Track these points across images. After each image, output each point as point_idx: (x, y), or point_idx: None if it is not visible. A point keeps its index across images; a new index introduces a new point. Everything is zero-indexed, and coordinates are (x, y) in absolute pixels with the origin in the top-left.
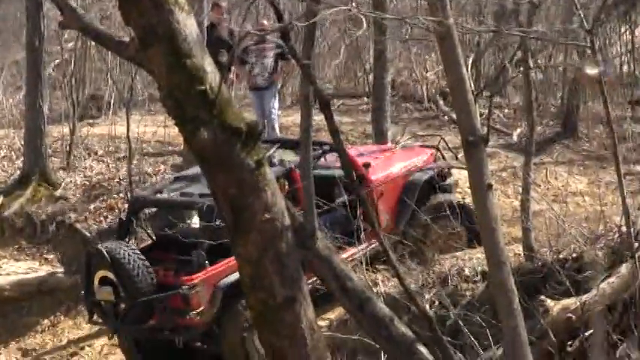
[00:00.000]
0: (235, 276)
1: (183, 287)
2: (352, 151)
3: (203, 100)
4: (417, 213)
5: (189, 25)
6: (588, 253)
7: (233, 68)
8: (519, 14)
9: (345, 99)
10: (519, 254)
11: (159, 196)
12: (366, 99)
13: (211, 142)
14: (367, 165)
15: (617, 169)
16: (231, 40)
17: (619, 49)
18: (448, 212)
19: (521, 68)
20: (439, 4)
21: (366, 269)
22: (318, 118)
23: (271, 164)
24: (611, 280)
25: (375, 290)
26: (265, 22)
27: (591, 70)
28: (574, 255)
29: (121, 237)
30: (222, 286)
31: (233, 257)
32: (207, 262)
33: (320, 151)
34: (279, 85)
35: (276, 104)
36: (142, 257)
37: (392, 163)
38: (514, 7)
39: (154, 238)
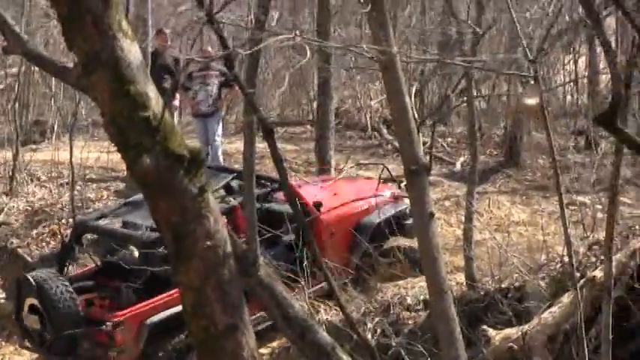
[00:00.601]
0: (165, 314)
1: (108, 324)
2: (304, 188)
3: (146, 126)
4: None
5: (132, 52)
6: (530, 283)
7: (177, 95)
8: (463, 44)
9: (289, 127)
10: (462, 283)
11: (101, 222)
12: (309, 127)
13: (154, 168)
14: (319, 204)
15: (560, 199)
16: (175, 67)
17: (562, 79)
18: (401, 258)
19: (465, 97)
20: (382, 34)
21: (308, 297)
22: (262, 146)
23: (232, 191)
24: (553, 309)
25: (317, 318)
26: (210, 48)
27: (530, 100)
28: (516, 284)
29: (62, 261)
30: (150, 324)
31: (164, 293)
32: (134, 298)
33: (269, 189)
34: (222, 113)
35: (220, 131)
36: (70, 289)
37: (345, 200)
38: (458, 36)
39: (98, 263)
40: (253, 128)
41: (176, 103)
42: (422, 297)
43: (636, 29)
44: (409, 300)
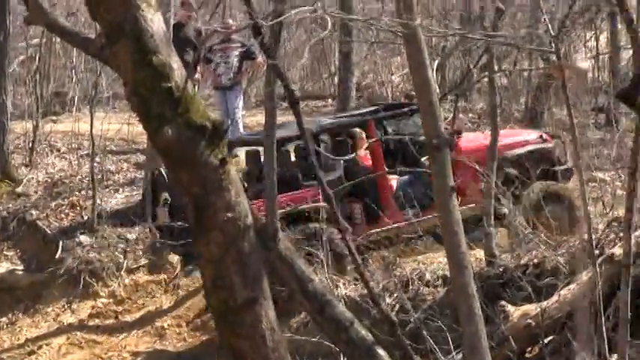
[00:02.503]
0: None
1: None
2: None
3: (168, 97)
4: None
5: (156, 22)
6: (549, 260)
7: (199, 67)
8: (485, 19)
9: (310, 100)
10: (480, 259)
11: None
12: (330, 101)
13: (176, 139)
14: (458, 132)
15: (580, 176)
16: (197, 39)
17: (584, 56)
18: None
19: (486, 73)
20: (405, 7)
21: (327, 271)
22: (282, 119)
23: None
24: (572, 286)
25: (336, 293)
26: (231, 21)
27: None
28: (535, 261)
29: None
30: None
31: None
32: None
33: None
34: (243, 85)
35: (240, 104)
36: None
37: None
38: (480, 12)
39: None
40: (274, 100)
41: (197, 76)
42: (441, 272)
43: None
44: (428, 276)
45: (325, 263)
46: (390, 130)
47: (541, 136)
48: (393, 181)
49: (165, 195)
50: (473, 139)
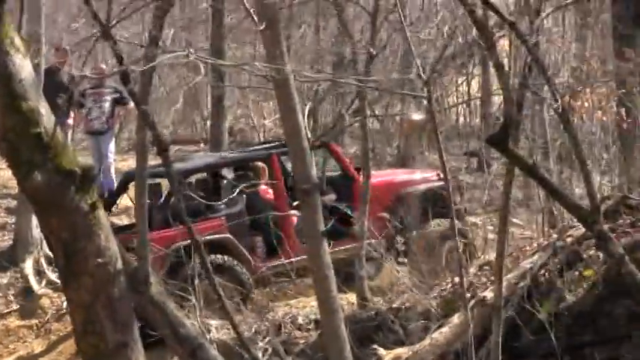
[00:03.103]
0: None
1: None
2: None
3: (38, 142)
4: None
5: (25, 68)
6: (422, 303)
7: (72, 112)
8: (357, 63)
9: (182, 145)
10: (353, 302)
11: None
12: (203, 145)
13: (45, 184)
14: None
15: (452, 220)
16: (71, 84)
17: (455, 100)
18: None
19: (358, 117)
20: (276, 52)
21: (200, 316)
22: (154, 163)
23: None
24: (444, 329)
25: (208, 337)
26: (103, 66)
27: (415, 116)
28: (407, 304)
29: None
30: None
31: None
32: None
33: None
34: (115, 130)
35: (113, 148)
36: None
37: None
38: (352, 56)
39: None
40: (146, 145)
41: (70, 121)
42: (313, 316)
43: (529, 51)
44: (300, 319)
45: (197, 307)
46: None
47: (438, 174)
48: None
49: None
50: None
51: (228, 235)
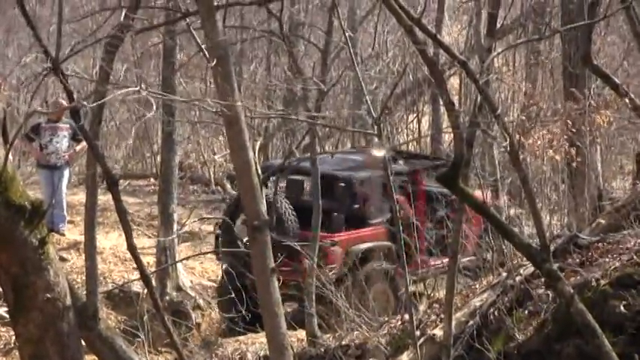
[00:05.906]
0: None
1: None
2: None
3: None
4: None
5: None
6: (371, 340)
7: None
8: (308, 100)
9: (132, 179)
10: (302, 339)
11: None
12: (153, 180)
13: None
14: None
15: (402, 258)
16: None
17: (406, 137)
18: None
19: (309, 153)
20: (227, 88)
21: (149, 351)
22: (105, 198)
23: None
24: None
25: None
26: (63, 101)
27: (378, 152)
28: (357, 342)
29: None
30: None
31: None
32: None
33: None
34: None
35: (66, 183)
36: (292, 208)
37: None
38: (303, 93)
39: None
40: (96, 180)
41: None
42: (262, 352)
43: (479, 90)
44: (249, 356)
45: (145, 342)
46: None
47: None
48: None
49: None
50: None
51: (389, 243)
